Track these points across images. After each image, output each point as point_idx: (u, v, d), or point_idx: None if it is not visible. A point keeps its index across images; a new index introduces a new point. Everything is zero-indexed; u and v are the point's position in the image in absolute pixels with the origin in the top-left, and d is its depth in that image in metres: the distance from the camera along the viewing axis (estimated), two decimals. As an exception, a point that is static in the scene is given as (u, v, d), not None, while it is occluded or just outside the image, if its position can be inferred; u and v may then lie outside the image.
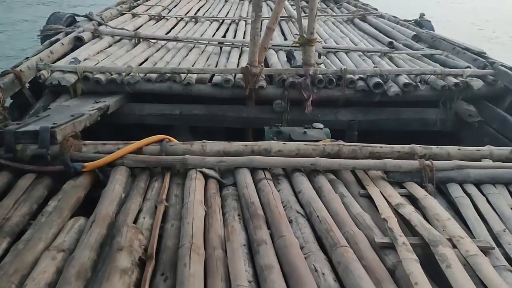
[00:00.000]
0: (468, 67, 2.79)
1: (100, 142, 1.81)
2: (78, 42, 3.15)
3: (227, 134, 2.68)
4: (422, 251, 1.26)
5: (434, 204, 1.51)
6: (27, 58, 2.63)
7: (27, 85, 2.47)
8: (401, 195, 1.61)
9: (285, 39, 3.75)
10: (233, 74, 2.68)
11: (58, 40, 3.06)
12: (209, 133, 2.63)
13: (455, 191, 1.64)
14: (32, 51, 2.79)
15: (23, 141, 1.73)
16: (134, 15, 4.22)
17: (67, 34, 3.24)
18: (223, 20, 4.34)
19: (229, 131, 2.78)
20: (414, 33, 3.67)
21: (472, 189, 1.65)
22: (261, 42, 2.62)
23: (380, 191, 1.62)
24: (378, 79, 2.60)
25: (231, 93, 2.66)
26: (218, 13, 4.83)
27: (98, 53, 3.00)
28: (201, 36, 3.66)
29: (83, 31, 3.27)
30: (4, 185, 1.57)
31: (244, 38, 3.65)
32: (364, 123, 2.66)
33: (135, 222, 1.36)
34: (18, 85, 2.34)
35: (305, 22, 2.70)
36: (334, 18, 4.53)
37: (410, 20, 4.10)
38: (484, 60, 2.85)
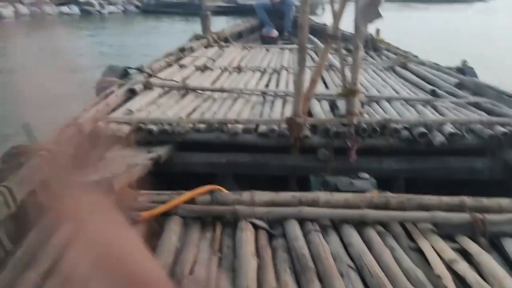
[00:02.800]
0: (516, 114, 2.75)
1: (154, 192, 1.91)
2: (131, 94, 3.34)
3: (270, 182, 2.73)
4: (479, 311, 1.24)
5: (489, 260, 1.48)
6: (85, 110, 2.81)
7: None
8: (453, 250, 1.59)
9: (326, 88, 3.83)
10: (278, 124, 2.76)
11: (112, 92, 3.27)
12: (252, 181, 2.68)
13: (510, 246, 1.60)
14: (90, 103, 2.98)
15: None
16: (181, 66, 4.44)
17: (120, 86, 3.45)
18: (265, 70, 4.49)
19: (272, 179, 2.83)
20: (457, 80, 3.67)
21: (529, 244, 1.61)
22: (305, 93, 2.70)
23: (431, 245, 1.61)
24: (422, 129, 2.60)
25: (275, 142, 2.73)
26: (260, 62, 5.01)
27: (149, 104, 3.17)
28: (245, 85, 3.81)
29: (135, 83, 3.47)
30: (69, 233, 1.67)
31: (286, 87, 3.76)
32: (409, 172, 2.65)
33: (190, 273, 1.41)
34: (79, 137, 2.50)
35: (346, 71, 2.77)
36: (374, 66, 4.60)
37: (452, 67, 4.10)
38: None
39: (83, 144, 2.50)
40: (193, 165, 2.78)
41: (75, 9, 21.42)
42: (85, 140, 2.54)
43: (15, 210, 1.60)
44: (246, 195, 1.88)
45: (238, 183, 2.68)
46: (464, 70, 4.01)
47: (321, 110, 3.08)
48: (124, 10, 24.21)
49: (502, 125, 2.64)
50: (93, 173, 1.99)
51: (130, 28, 17.59)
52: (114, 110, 3.03)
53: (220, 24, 8.85)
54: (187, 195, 1.83)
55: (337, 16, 2.57)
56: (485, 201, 1.83)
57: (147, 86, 3.52)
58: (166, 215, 1.78)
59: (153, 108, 3.12)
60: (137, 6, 25.02)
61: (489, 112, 2.95)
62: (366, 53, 5.46)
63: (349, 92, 2.64)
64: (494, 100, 3.15)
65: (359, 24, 2.50)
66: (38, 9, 19.52)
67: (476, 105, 3.13)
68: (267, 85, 3.98)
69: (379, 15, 2.30)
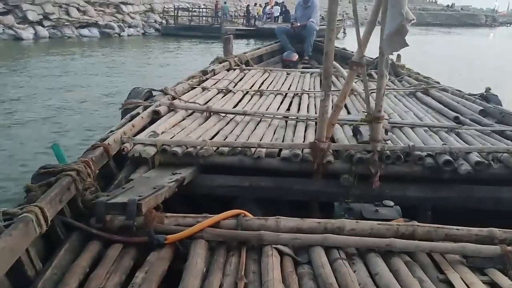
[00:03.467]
0: (544, 144, 2.71)
1: (180, 214, 1.93)
2: (155, 115, 3.39)
3: (293, 207, 2.72)
4: None
5: (521, 295, 1.45)
6: (112, 131, 2.86)
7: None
8: (483, 283, 1.56)
9: (348, 113, 3.83)
10: (301, 149, 2.76)
11: (138, 113, 3.32)
12: (275, 205, 2.68)
13: (543, 280, 1.56)
14: (116, 125, 3.04)
15: (112, 212, 1.88)
16: (204, 89, 4.51)
17: (145, 108, 3.51)
18: (286, 94, 4.53)
19: (295, 203, 2.82)
20: (481, 107, 3.64)
21: (561, 279, 1.57)
22: (329, 119, 2.71)
23: (460, 277, 1.58)
24: (447, 157, 2.58)
25: (298, 167, 2.73)
26: (281, 86, 5.05)
27: (173, 126, 3.21)
28: (267, 109, 3.84)
29: (160, 105, 3.53)
30: (96, 254, 1.69)
31: (308, 112, 3.78)
32: (433, 200, 2.61)
33: (217, 298, 1.41)
34: (106, 157, 2.54)
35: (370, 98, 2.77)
36: (396, 92, 4.59)
37: (475, 94, 4.07)
38: None
39: (108, 164, 2.54)
40: (215, 188, 2.79)
41: (95, 32, 22.02)
42: (112, 161, 2.58)
43: (46, 230, 1.62)
44: (271, 220, 1.88)
45: (260, 207, 2.68)
46: (488, 97, 3.97)
47: (343, 136, 3.08)
48: (143, 32, 24.82)
49: (529, 154, 2.60)
50: (120, 194, 2.02)
51: (149, 51, 17.98)
52: (139, 131, 3.08)
53: (240, 47, 8.99)
54: (213, 219, 1.85)
55: (362, 43, 2.59)
56: (515, 233, 1.79)
57: (171, 108, 3.57)
58: (191, 238, 1.79)
59: (177, 130, 3.16)
60: (156, 29, 25.65)
61: (514, 140, 2.91)
62: (387, 78, 5.47)
63: (373, 119, 2.63)
64: None
65: (385, 52, 2.51)
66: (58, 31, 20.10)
67: (501, 133, 3.10)
68: (288, 109, 4.00)
69: (405, 44, 2.31)
